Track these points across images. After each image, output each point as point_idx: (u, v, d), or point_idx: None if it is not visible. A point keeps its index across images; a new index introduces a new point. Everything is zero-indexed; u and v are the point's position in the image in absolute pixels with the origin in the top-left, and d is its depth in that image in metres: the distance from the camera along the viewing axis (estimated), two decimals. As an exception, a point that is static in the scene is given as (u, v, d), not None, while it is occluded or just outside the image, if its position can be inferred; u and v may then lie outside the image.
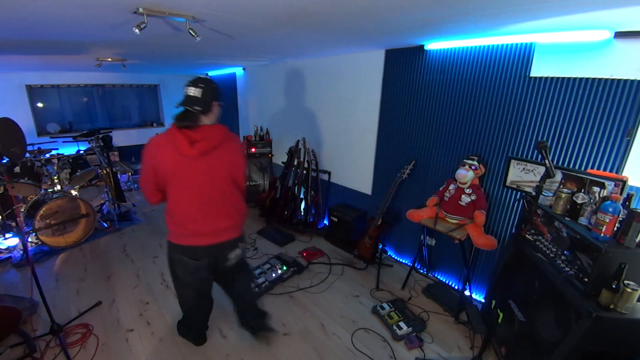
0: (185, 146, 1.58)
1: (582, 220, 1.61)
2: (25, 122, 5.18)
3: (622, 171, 1.84)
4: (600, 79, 1.85)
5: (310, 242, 3.71)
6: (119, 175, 4.75)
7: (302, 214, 4.06)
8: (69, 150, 4.74)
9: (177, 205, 1.72)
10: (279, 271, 2.98)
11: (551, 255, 1.70)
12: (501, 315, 1.92)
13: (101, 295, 2.70)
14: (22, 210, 3.42)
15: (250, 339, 2.25)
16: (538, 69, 2.10)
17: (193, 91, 1.61)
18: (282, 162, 4.27)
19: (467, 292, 2.60)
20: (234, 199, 1.82)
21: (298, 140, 4.07)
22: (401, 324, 2.34)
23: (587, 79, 1.90)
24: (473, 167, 2.40)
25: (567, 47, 1.96)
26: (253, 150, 4.58)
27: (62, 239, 3.44)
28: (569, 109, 2.00)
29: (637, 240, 1.39)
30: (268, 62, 4.35)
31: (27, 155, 3.68)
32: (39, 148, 3.97)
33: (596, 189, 1.65)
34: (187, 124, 1.60)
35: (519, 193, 2.33)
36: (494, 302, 2.09)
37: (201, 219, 1.73)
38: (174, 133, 1.61)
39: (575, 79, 1.95)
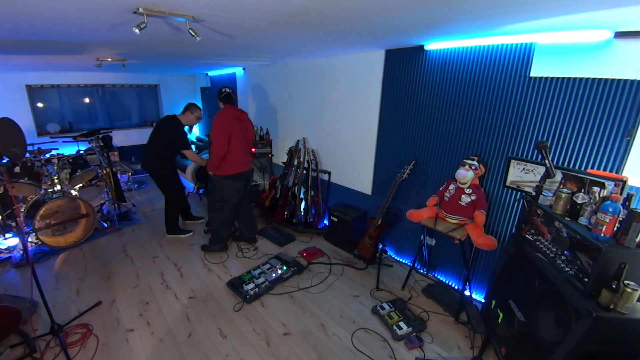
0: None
1: (582, 220, 1.61)
2: (25, 122, 5.18)
3: (622, 171, 1.84)
4: (600, 79, 1.85)
5: (310, 242, 3.71)
6: (119, 175, 4.75)
7: (302, 214, 4.06)
8: (69, 150, 4.75)
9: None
10: (279, 271, 2.99)
11: (551, 255, 1.70)
12: (501, 315, 1.93)
13: (101, 295, 2.70)
14: (22, 210, 3.42)
15: (249, 339, 2.26)
16: (538, 69, 2.10)
17: (229, 90, 3.14)
18: (282, 162, 4.28)
19: (467, 292, 2.60)
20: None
21: (298, 140, 4.08)
22: (401, 324, 2.34)
23: (587, 79, 1.90)
24: (473, 167, 2.40)
25: (567, 47, 1.96)
26: (253, 150, 4.56)
27: (62, 239, 3.44)
28: (569, 109, 2.00)
29: (637, 240, 1.38)
30: (268, 62, 4.35)
31: (27, 155, 3.69)
32: (39, 148, 3.97)
33: (596, 189, 1.64)
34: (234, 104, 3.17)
35: (519, 193, 2.33)
36: (494, 302, 2.10)
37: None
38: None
39: (575, 79, 1.95)
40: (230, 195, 3.20)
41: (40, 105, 5.48)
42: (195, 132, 7.55)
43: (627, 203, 1.54)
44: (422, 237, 2.87)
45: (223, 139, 2.96)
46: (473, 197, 2.42)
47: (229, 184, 3.14)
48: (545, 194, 1.86)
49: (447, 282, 2.94)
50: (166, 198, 3.69)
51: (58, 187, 3.63)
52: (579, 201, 1.64)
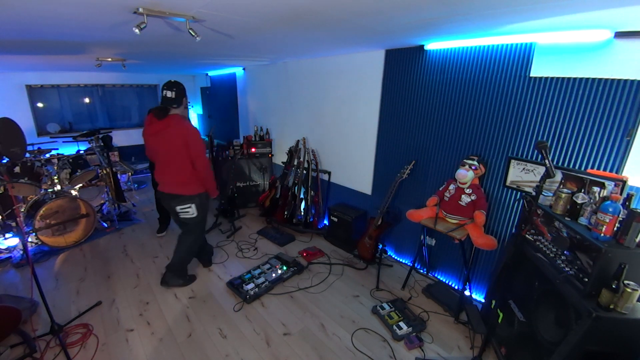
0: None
1: (582, 220, 1.61)
2: (25, 122, 5.18)
3: (622, 171, 1.84)
4: (600, 79, 1.85)
5: (310, 242, 3.71)
6: (119, 175, 4.75)
7: (302, 214, 4.06)
8: (69, 150, 4.75)
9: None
10: (279, 271, 2.99)
11: (551, 255, 1.70)
12: (501, 315, 1.93)
13: (101, 295, 2.70)
14: (22, 210, 3.42)
15: (249, 339, 2.27)
16: (538, 69, 2.10)
17: (170, 95, 2.40)
18: (282, 162, 4.28)
19: (467, 292, 2.60)
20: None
21: (298, 140, 4.08)
22: (401, 324, 2.34)
23: (587, 79, 1.90)
24: (473, 167, 2.40)
25: (567, 48, 1.96)
26: (253, 150, 4.58)
27: (62, 239, 3.44)
28: (569, 109, 2.00)
29: (637, 240, 1.39)
30: (268, 62, 4.35)
31: (27, 155, 3.68)
32: (39, 148, 3.97)
33: (596, 189, 1.65)
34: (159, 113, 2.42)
35: (519, 193, 2.33)
36: (494, 302, 2.09)
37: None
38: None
39: (575, 79, 1.95)
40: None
41: (40, 105, 5.47)
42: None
43: (627, 203, 1.54)
44: (422, 237, 2.87)
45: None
46: (473, 197, 2.42)
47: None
48: (545, 194, 1.86)
49: (447, 282, 2.94)
50: None
51: (58, 187, 3.63)
52: (579, 201, 1.64)
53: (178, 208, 2.62)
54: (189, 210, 2.63)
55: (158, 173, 2.62)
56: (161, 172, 2.59)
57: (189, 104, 2.75)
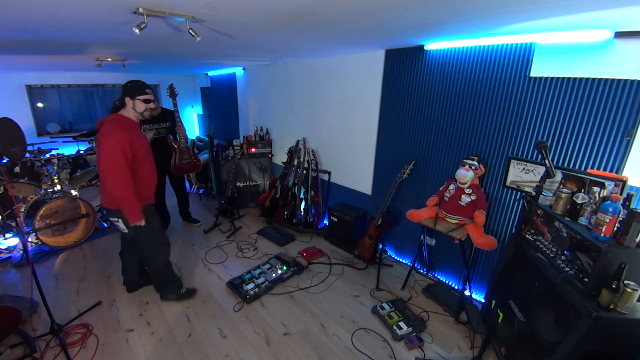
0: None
1: (582, 220, 1.61)
2: (25, 122, 5.18)
3: (622, 171, 1.84)
4: (600, 79, 1.85)
5: (310, 242, 3.71)
6: (119, 175, 4.74)
7: (302, 214, 4.06)
8: (69, 150, 4.74)
9: None
10: (279, 271, 2.99)
11: (551, 255, 1.70)
12: (501, 315, 1.93)
13: (101, 295, 2.70)
14: (22, 210, 3.42)
15: (249, 339, 2.26)
16: (538, 69, 2.10)
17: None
18: (282, 162, 4.28)
19: (467, 292, 2.60)
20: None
21: (298, 140, 4.08)
22: (401, 324, 2.34)
23: (587, 79, 1.90)
24: (473, 167, 2.40)
25: (567, 48, 1.96)
26: (253, 150, 4.59)
27: (62, 239, 3.44)
28: (569, 109, 2.00)
29: (637, 240, 1.38)
30: (268, 62, 4.35)
31: (27, 155, 3.68)
32: (39, 148, 3.96)
33: (596, 189, 1.65)
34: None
35: (519, 193, 2.33)
36: (494, 302, 2.10)
37: None
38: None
39: (575, 79, 1.95)
40: None
41: (40, 105, 5.47)
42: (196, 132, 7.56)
43: (627, 203, 1.54)
44: (422, 237, 2.87)
45: None
46: (473, 197, 2.42)
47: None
48: (545, 194, 1.86)
49: (447, 282, 2.94)
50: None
51: (58, 187, 3.63)
52: (579, 201, 1.64)
53: (111, 219, 2.35)
54: (119, 225, 2.33)
55: None
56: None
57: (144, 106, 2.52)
